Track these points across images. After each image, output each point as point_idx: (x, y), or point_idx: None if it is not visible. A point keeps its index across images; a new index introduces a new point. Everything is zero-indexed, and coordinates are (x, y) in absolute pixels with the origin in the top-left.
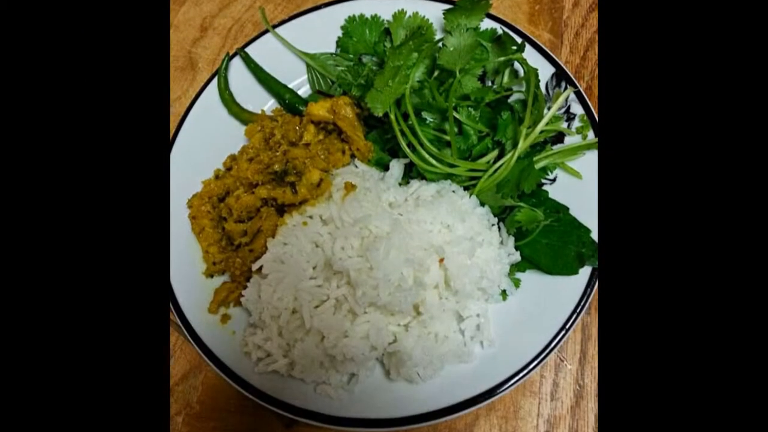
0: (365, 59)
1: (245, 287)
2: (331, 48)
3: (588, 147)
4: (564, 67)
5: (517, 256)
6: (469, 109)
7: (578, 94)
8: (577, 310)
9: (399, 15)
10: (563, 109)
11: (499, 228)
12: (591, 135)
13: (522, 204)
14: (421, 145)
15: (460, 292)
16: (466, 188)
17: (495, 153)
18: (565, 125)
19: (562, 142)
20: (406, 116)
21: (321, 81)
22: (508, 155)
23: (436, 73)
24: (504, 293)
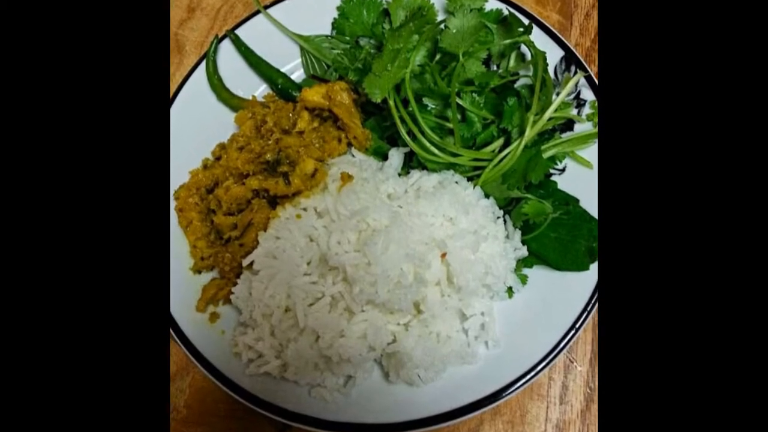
0: (363, 42)
1: (235, 284)
2: (327, 30)
3: None
4: (574, 50)
5: (523, 251)
6: (473, 94)
7: (589, 78)
8: (588, 309)
9: None
10: (573, 95)
11: (505, 221)
12: None
13: (529, 195)
14: (422, 133)
15: (463, 289)
16: (469, 179)
17: (500, 141)
18: (574, 112)
19: (571, 129)
20: (406, 102)
21: (316, 65)
22: (515, 144)
23: (437, 57)
24: (510, 290)
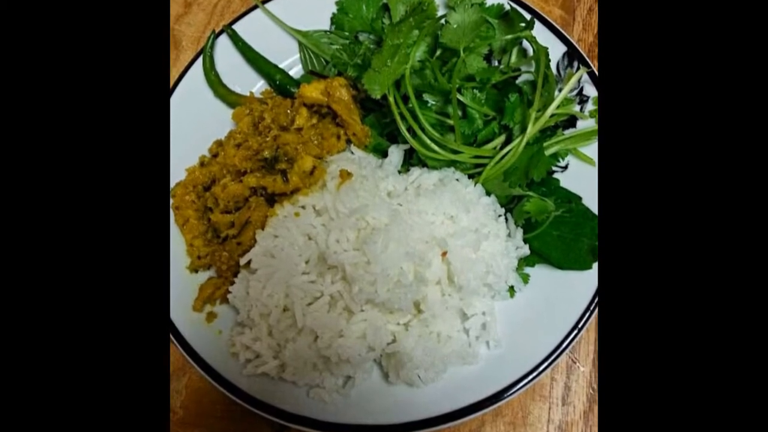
0: (362, 37)
1: (232, 283)
2: (326, 25)
3: None
4: (576, 46)
5: (525, 250)
6: (474, 90)
7: (591, 74)
8: (591, 308)
9: None
10: (575, 91)
11: (507, 219)
12: None
13: (531, 193)
14: (423, 129)
15: (464, 288)
16: (470, 176)
17: (502, 138)
18: (577, 108)
19: (574, 126)
20: (406, 99)
21: (314, 61)
22: (516, 141)
23: (438, 52)
24: (512, 289)
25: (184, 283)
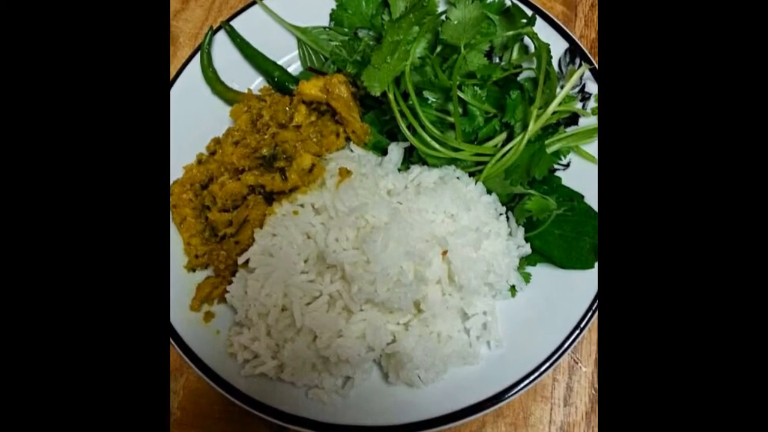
0: (361, 33)
1: (230, 282)
2: (325, 21)
3: None
4: (578, 42)
5: (527, 249)
6: (475, 87)
7: (593, 71)
8: (593, 308)
9: None
10: (577, 88)
11: (508, 218)
12: None
13: (532, 191)
14: (423, 127)
15: (464, 287)
16: (471, 174)
17: (503, 136)
18: (579, 105)
19: (576, 123)
20: (406, 96)
21: (313, 57)
22: (518, 138)
23: (438, 49)
24: (513, 289)
25: (181, 282)
